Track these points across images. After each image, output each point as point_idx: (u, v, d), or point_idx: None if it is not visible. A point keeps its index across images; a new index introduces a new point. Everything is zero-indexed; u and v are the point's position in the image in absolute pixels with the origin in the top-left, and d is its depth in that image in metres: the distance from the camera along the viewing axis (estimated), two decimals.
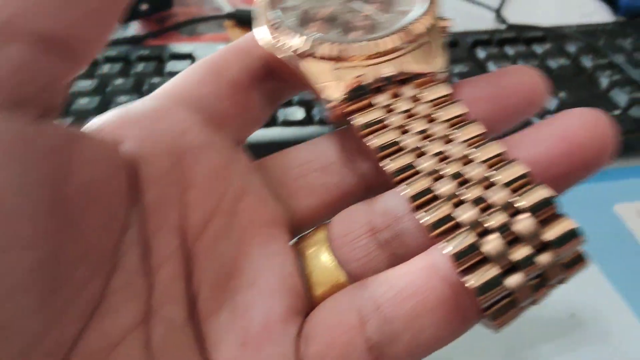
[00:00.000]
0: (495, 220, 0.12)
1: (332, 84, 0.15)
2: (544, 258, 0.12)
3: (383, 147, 0.14)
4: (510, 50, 0.42)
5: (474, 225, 0.12)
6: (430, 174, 0.13)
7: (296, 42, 0.16)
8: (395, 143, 0.14)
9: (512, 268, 0.12)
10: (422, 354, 0.13)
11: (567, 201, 0.30)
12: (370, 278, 0.13)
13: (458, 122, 0.14)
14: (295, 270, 0.15)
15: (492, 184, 0.13)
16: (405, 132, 0.14)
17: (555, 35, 0.44)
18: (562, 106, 0.36)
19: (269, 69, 0.17)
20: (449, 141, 0.14)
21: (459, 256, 0.12)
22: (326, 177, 0.16)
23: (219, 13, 0.51)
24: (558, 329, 0.24)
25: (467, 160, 0.13)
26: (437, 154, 0.14)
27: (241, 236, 0.15)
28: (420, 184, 0.13)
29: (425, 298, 0.12)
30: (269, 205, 0.15)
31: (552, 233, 0.12)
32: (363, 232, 0.14)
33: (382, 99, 0.15)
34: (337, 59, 0.15)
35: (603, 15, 0.52)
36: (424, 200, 0.13)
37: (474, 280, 0.12)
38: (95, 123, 0.15)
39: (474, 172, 0.13)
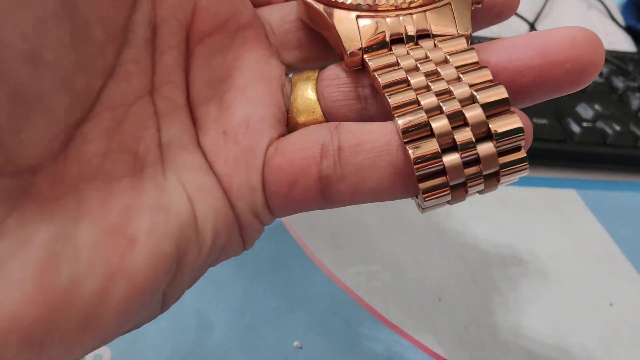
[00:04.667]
0: (449, 105, 0.13)
1: (354, 36, 0.15)
2: (484, 146, 0.13)
3: (387, 85, 0.14)
4: None
5: (431, 108, 0.13)
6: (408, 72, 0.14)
7: None
8: (404, 81, 0.14)
9: (453, 148, 0.13)
10: (360, 200, 0.15)
11: (606, 207, 0.31)
12: (343, 124, 0.15)
13: (468, 67, 0.14)
14: (281, 91, 0.16)
15: (458, 81, 0.14)
16: (413, 69, 0.15)
17: None
18: (598, 117, 0.37)
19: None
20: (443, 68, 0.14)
21: (407, 130, 0.13)
22: (311, 34, 0.17)
23: None
24: (598, 316, 0.25)
25: (444, 66, 0.14)
26: (426, 74, 0.14)
27: (239, 53, 0.16)
28: (396, 75, 0.14)
29: (378, 155, 0.14)
30: (266, 43, 0.17)
31: (497, 125, 0.13)
32: (349, 82, 0.16)
33: (399, 49, 0.15)
34: (364, 8, 0.15)
35: (627, 45, 0.54)
36: (395, 81, 0.14)
37: (412, 150, 0.13)
38: None
39: (446, 71, 0.14)
